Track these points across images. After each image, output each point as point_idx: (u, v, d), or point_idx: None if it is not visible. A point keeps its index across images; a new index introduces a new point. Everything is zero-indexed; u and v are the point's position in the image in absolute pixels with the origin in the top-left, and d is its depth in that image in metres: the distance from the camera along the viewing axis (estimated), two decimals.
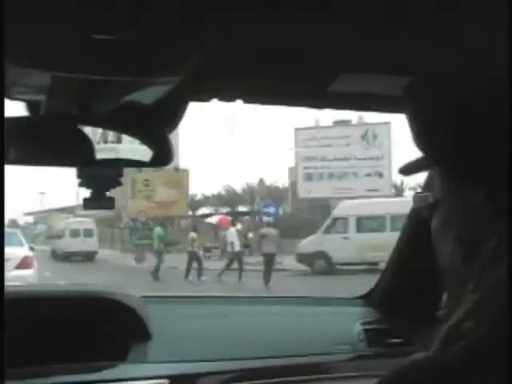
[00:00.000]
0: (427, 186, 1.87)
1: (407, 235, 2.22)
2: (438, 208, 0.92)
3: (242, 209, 44.74)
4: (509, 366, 0.73)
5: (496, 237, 0.83)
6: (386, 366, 2.09)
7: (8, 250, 12.55)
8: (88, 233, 32.42)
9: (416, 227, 2.13)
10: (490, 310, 0.79)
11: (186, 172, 38.57)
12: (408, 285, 2.25)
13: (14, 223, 49.53)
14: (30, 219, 66.65)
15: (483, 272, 0.83)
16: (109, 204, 1.39)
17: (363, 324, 2.25)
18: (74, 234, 32.03)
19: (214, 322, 2.17)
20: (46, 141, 1.27)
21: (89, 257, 30.95)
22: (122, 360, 1.93)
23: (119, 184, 1.37)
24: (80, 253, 30.69)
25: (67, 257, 30.63)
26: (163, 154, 1.29)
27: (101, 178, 1.36)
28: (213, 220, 34.82)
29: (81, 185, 1.36)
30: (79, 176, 1.35)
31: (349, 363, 2.20)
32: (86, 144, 1.27)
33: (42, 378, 1.83)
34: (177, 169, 35.97)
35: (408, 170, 0.94)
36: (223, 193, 47.76)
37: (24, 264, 12.51)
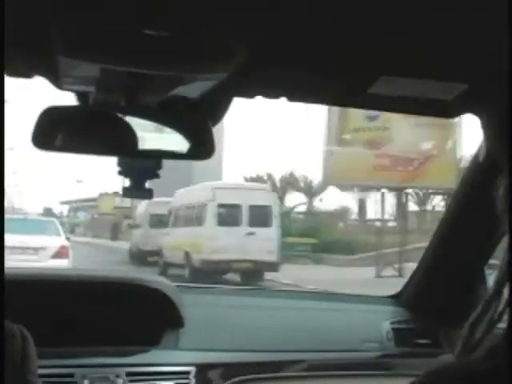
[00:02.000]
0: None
1: (440, 235, 2.22)
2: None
3: None
4: None
5: None
6: (413, 366, 2.13)
7: (45, 239, 12.70)
8: None
9: (451, 225, 2.12)
10: None
11: None
12: (440, 285, 2.24)
13: (49, 212, 48.15)
14: (66, 208, 66.07)
15: None
16: (147, 195, 1.41)
17: (392, 323, 2.25)
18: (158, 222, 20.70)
19: (243, 314, 2.20)
20: (92, 130, 1.30)
21: None
22: (154, 345, 1.98)
23: (157, 176, 1.39)
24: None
25: (144, 256, 20.42)
26: (206, 148, 1.32)
27: (140, 169, 1.39)
28: None
29: (120, 173, 1.38)
30: (119, 165, 1.38)
31: (376, 361, 2.20)
32: (130, 134, 1.30)
33: (77, 359, 1.88)
34: None
35: None
36: None
37: (60, 254, 12.62)
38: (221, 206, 16.01)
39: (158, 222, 20.60)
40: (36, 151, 1.26)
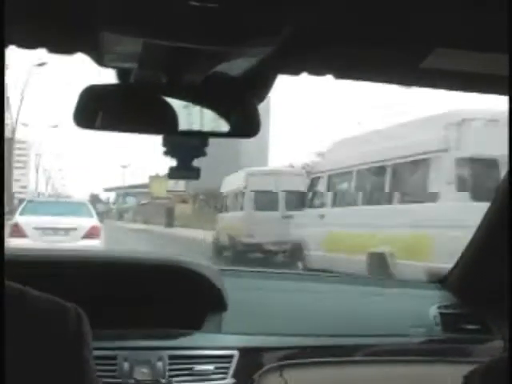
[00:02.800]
0: None
1: (492, 218, 2.15)
2: None
3: None
4: None
5: None
6: (461, 352, 2.08)
7: (76, 221, 12.92)
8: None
9: (503, 207, 2.05)
10: None
11: None
12: (488, 269, 2.18)
13: (95, 198, 46.81)
14: (111, 195, 65.34)
15: None
16: (195, 174, 1.38)
17: (439, 308, 2.21)
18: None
19: (287, 298, 2.17)
20: (132, 108, 1.28)
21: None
22: (196, 329, 1.96)
23: (204, 154, 1.37)
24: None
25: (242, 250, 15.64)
26: (251, 125, 1.28)
27: (186, 148, 1.36)
28: None
29: (166, 154, 1.36)
30: (164, 144, 1.35)
31: (423, 347, 2.16)
32: (170, 113, 1.27)
33: (120, 341, 1.87)
34: None
35: None
36: None
37: (91, 234, 12.75)
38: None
39: (267, 201, 15.37)
40: (80, 132, 1.24)
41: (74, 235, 12.63)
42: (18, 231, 12.43)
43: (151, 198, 45.61)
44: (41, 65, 36.23)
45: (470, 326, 2.17)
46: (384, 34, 1.13)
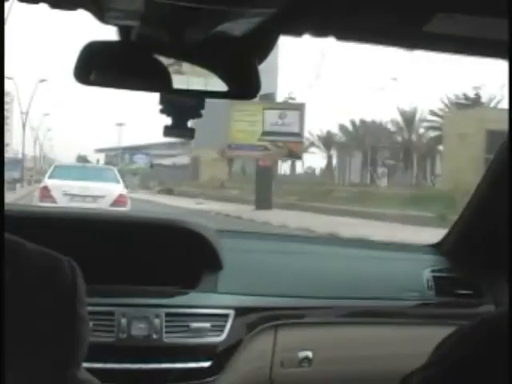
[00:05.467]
0: None
1: (486, 186, 2.16)
2: None
3: None
4: None
5: None
6: (453, 316, 2.10)
7: (104, 187, 12.99)
8: None
9: (499, 172, 2.06)
10: None
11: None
12: (483, 234, 2.19)
13: (83, 160, 42.62)
14: (102, 156, 59.66)
15: None
16: (189, 134, 1.39)
17: (433, 271, 2.23)
18: None
19: (282, 259, 2.19)
20: (132, 65, 1.28)
21: None
22: (193, 288, 1.98)
23: (199, 116, 1.37)
24: None
25: None
26: (250, 86, 1.28)
27: (182, 108, 1.36)
28: None
29: (162, 112, 1.36)
30: (161, 102, 1.35)
31: (416, 310, 2.19)
32: (167, 72, 1.27)
33: (117, 298, 1.90)
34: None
35: None
36: None
37: (119, 202, 12.88)
38: None
39: None
40: (69, 88, 1.24)
41: (102, 202, 12.74)
42: (46, 194, 12.63)
43: (193, 160, 39.02)
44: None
45: (463, 291, 2.19)
46: None
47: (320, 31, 1.27)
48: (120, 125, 58.45)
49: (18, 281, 0.90)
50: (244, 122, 24.33)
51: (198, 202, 26.20)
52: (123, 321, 1.84)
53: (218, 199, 28.28)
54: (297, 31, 1.27)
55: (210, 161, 40.71)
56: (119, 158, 51.84)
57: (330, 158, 48.85)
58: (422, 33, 1.22)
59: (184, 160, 46.67)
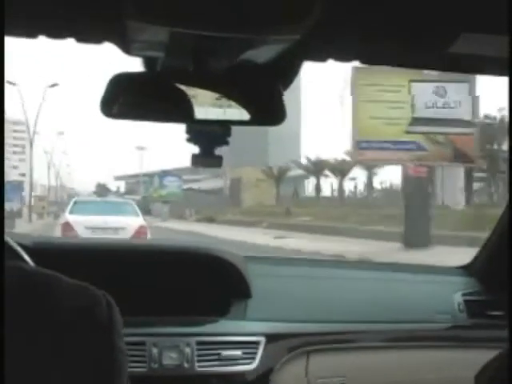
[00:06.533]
0: None
1: None
2: None
3: None
4: None
5: None
6: (486, 338, 2.07)
7: (124, 220, 13.20)
8: None
9: None
10: None
11: None
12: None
13: (103, 188, 41.90)
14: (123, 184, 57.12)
15: None
16: (217, 162, 1.39)
17: (464, 295, 2.20)
18: None
19: (311, 284, 2.18)
20: (158, 96, 1.29)
21: None
22: (222, 316, 1.98)
23: (226, 143, 1.37)
24: None
25: None
26: (276, 113, 1.28)
27: (209, 136, 1.37)
28: None
29: (189, 141, 1.37)
30: (187, 131, 1.36)
31: (449, 333, 2.16)
32: (191, 102, 1.28)
33: (148, 328, 1.90)
34: None
35: None
36: None
37: (139, 233, 13.05)
38: None
39: None
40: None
41: (123, 234, 12.94)
42: (69, 230, 12.84)
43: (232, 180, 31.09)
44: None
45: (495, 312, 2.16)
46: (410, 19, 1.13)
47: (344, 56, 1.27)
48: (141, 148, 54.16)
49: (56, 316, 0.91)
50: (381, 103, 15.24)
51: (278, 235, 19.48)
52: (154, 351, 1.83)
53: (289, 228, 22.30)
54: (321, 56, 1.27)
55: (255, 182, 35.18)
56: (141, 184, 47.05)
57: None
58: (447, 54, 1.22)
59: (215, 183, 42.91)
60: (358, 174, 41.08)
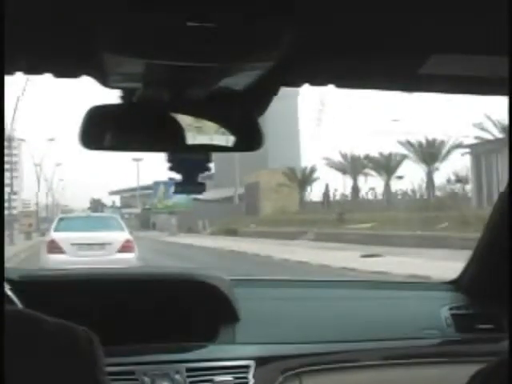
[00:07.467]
0: None
1: (499, 217, 2.15)
2: None
3: None
4: None
5: None
6: (475, 352, 2.07)
7: (109, 235, 13.19)
8: None
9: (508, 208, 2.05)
10: None
11: None
12: (499, 269, 2.18)
13: (98, 203, 41.10)
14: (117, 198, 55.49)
15: None
16: (200, 189, 1.41)
17: (451, 309, 2.21)
18: None
19: (298, 305, 2.18)
20: (139, 127, 1.30)
21: None
22: (211, 341, 1.97)
23: (208, 169, 1.39)
24: None
25: None
26: (254, 139, 1.30)
27: (191, 163, 1.38)
28: None
29: (171, 169, 1.38)
30: (169, 160, 1.37)
31: (437, 348, 2.16)
32: (178, 130, 1.29)
33: (137, 356, 1.89)
34: None
35: None
36: None
37: (126, 248, 13.04)
38: None
39: None
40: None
41: (109, 249, 12.95)
42: (55, 247, 12.86)
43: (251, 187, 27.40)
44: None
45: (483, 326, 2.16)
46: (382, 43, 1.15)
47: (319, 81, 1.29)
48: (137, 160, 47.78)
49: (39, 357, 0.93)
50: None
51: (364, 253, 15.27)
52: (146, 380, 1.83)
53: (345, 240, 17.96)
54: (296, 82, 1.30)
55: (274, 187, 31.35)
56: (138, 197, 43.87)
57: None
58: (418, 75, 1.25)
59: (225, 192, 39.33)
60: (408, 171, 35.59)
